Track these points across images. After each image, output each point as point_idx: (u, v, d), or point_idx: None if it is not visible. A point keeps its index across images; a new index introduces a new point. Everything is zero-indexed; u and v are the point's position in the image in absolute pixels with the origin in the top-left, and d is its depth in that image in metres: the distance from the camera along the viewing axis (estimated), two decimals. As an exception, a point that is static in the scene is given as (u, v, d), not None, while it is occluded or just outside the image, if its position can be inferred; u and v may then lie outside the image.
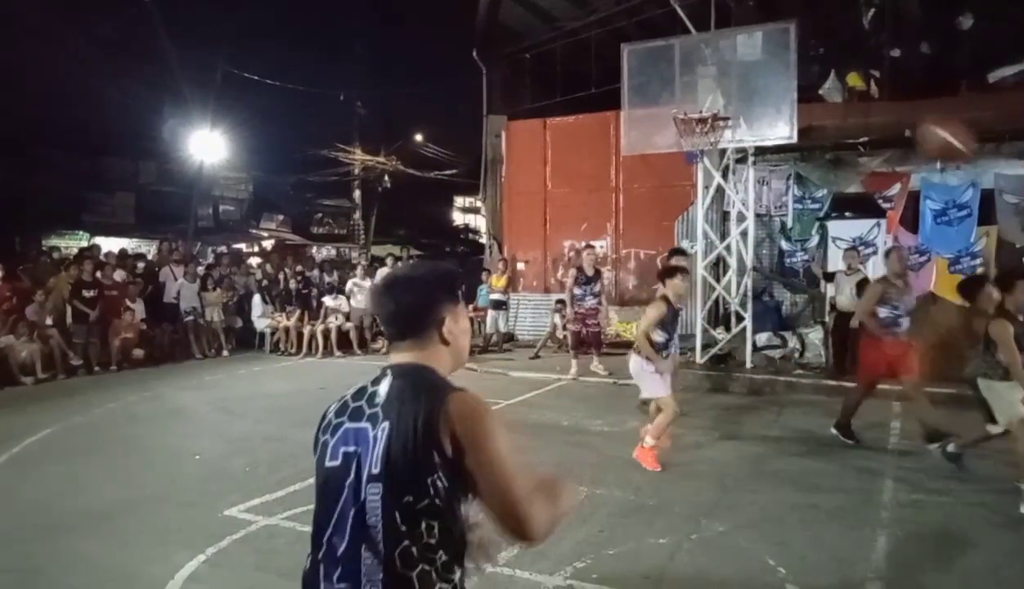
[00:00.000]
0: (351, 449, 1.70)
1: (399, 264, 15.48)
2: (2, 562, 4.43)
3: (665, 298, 6.06)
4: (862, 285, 9.35)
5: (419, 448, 1.60)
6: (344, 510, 1.67)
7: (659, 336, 6.04)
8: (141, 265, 13.98)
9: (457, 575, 1.69)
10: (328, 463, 1.74)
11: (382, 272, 14.75)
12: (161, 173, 24.18)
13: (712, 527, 4.81)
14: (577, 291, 10.38)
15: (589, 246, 11.52)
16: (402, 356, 1.80)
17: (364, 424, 1.70)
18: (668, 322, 6.08)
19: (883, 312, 6.39)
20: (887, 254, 7.15)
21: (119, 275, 12.41)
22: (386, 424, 1.65)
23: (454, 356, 1.87)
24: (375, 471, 1.63)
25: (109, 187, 23.16)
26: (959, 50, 11.27)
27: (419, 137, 29.45)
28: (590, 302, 10.43)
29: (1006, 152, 10.08)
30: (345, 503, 1.67)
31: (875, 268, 10.52)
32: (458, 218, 40.60)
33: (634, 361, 6.17)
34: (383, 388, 1.74)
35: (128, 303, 11.99)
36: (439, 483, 1.60)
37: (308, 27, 29.42)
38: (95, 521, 5.09)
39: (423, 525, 1.61)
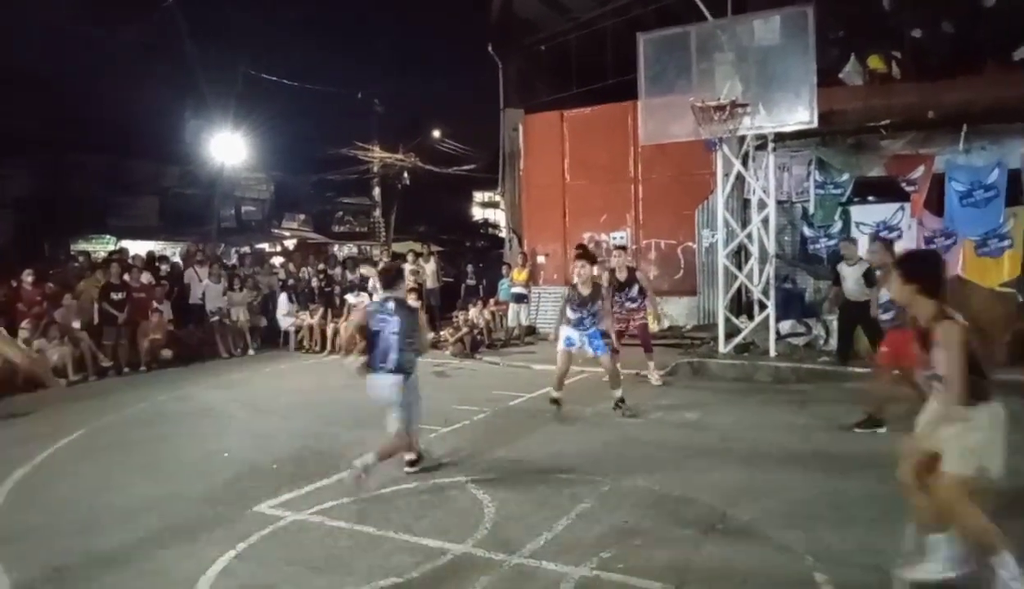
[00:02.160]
0: (384, 322, 5.61)
1: (420, 260, 15.57)
2: (37, 559, 4.54)
3: None
4: (869, 274, 9.19)
5: (411, 320, 5.68)
6: (386, 339, 5.57)
7: None
8: (165, 267, 14.18)
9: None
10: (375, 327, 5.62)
11: (404, 268, 14.85)
12: (184, 176, 24.51)
13: (738, 516, 4.79)
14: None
15: (621, 249, 10.45)
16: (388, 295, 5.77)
17: (384, 315, 5.63)
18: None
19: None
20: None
21: (146, 277, 12.61)
22: (396, 316, 5.58)
23: None
24: (396, 329, 5.57)
25: (133, 191, 23.51)
26: (983, 28, 11.04)
27: (437, 133, 29.49)
28: (629, 306, 9.33)
29: (1033, 131, 9.90)
30: (385, 337, 5.57)
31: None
32: (477, 213, 40.64)
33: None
34: (389, 305, 5.66)
35: (155, 305, 12.19)
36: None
37: (325, 27, 29.61)
38: (126, 519, 5.18)
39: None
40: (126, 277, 12.06)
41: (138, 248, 17.60)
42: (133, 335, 11.78)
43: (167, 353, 12.08)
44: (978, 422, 3.61)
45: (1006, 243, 9.75)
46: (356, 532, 4.73)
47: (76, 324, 11.22)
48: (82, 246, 19.64)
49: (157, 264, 14.32)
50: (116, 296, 11.58)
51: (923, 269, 3.87)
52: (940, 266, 3.97)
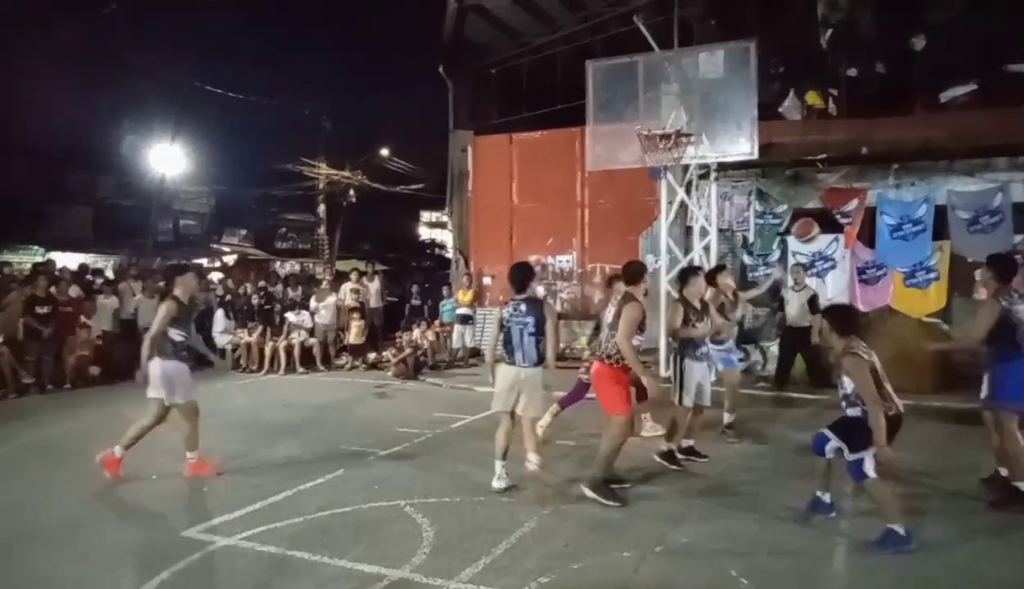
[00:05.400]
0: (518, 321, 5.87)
1: (363, 279, 15.38)
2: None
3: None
4: (813, 300, 9.55)
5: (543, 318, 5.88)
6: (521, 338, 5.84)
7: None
8: (100, 281, 13.64)
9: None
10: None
11: (345, 287, 14.66)
12: (120, 187, 23.74)
13: (676, 539, 4.82)
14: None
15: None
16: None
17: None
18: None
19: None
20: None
21: (74, 291, 12.08)
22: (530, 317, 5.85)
23: None
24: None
25: (66, 201, 22.64)
26: (912, 70, 11.61)
27: (385, 152, 29.33)
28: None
29: (958, 169, 10.39)
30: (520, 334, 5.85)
31: (834, 282, 10.74)
32: (424, 233, 40.48)
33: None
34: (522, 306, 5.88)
35: (84, 319, 11.69)
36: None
37: (273, 41, 29.26)
38: (48, 543, 4.92)
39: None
40: (53, 290, 11.53)
41: (69, 260, 16.94)
42: (59, 351, 11.26)
43: (95, 370, 11.58)
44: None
45: (932, 275, 10.18)
46: (289, 558, 4.58)
47: (-1, 338, 10.68)
48: (7, 257, 18.76)
49: (91, 277, 13.77)
50: (41, 310, 11.06)
51: None
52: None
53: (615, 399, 5.69)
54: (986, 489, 5.64)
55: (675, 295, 7.66)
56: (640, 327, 5.67)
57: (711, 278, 7.46)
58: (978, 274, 9.35)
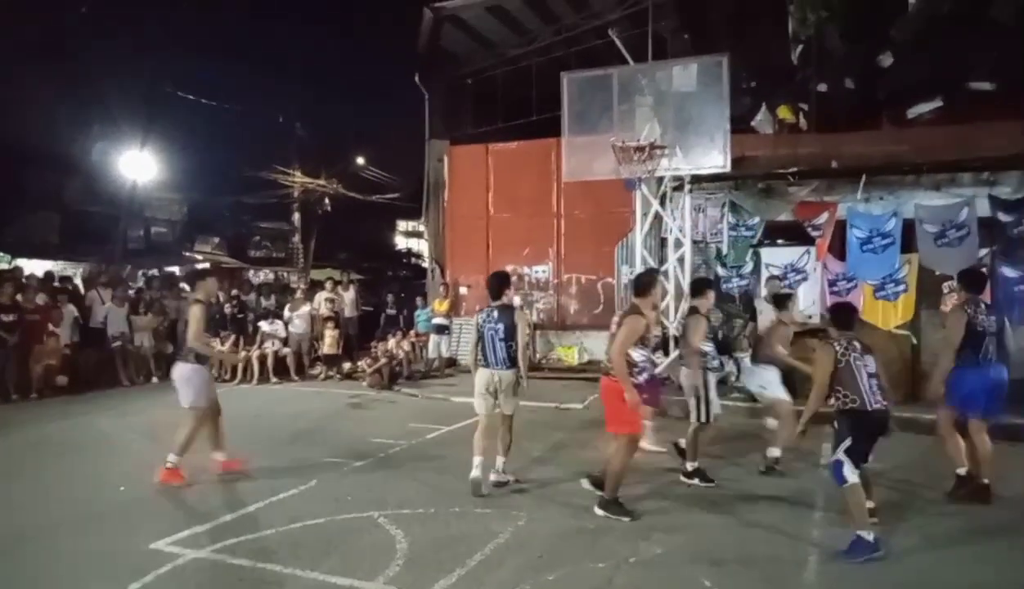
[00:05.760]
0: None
1: (338, 288, 15.28)
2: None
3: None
4: None
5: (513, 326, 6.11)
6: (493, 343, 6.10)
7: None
8: (70, 288, 13.38)
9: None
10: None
11: (320, 297, 14.54)
12: (88, 191, 23.27)
13: (650, 549, 4.83)
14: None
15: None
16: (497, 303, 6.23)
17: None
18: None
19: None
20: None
21: (41, 299, 11.85)
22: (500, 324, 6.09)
23: None
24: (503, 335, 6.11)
25: (32, 205, 22.14)
26: (880, 86, 11.85)
27: (361, 160, 29.17)
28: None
29: (924, 184, 10.58)
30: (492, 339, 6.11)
31: (806, 294, 10.86)
32: (400, 242, 40.33)
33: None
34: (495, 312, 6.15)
35: (51, 328, 11.46)
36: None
37: (249, 48, 29.06)
38: (12, 554, 4.81)
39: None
40: (19, 297, 11.29)
41: (35, 267, 16.60)
42: (25, 359, 11.01)
43: (62, 379, 11.34)
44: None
45: (901, 288, 10.34)
46: (259, 571, 4.51)
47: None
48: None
49: (59, 284, 13.48)
50: (6, 318, 10.81)
51: None
52: None
53: (624, 417, 5.55)
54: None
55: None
56: (643, 340, 5.59)
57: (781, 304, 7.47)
58: (946, 287, 9.55)
